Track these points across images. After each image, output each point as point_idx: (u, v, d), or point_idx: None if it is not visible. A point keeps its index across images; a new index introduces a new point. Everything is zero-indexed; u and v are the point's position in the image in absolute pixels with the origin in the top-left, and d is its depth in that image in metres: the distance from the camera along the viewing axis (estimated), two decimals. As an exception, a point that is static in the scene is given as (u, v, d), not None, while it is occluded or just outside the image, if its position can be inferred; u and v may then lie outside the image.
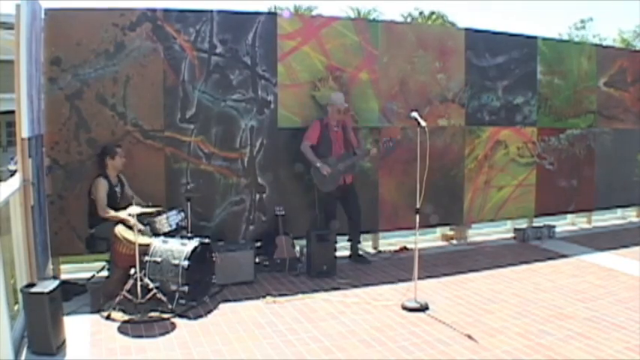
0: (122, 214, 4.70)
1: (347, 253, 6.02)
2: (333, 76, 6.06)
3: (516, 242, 6.98)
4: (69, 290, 4.64)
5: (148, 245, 4.55)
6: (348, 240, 5.99)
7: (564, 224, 7.92)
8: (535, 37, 7.20)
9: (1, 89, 9.42)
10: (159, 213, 4.90)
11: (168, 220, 5.01)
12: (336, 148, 5.78)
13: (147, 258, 4.49)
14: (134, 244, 4.28)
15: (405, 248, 6.38)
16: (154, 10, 5.38)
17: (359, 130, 6.18)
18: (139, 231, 4.48)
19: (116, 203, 4.93)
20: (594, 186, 7.77)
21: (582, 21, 32.36)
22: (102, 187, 4.85)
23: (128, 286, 4.27)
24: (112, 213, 4.78)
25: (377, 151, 6.01)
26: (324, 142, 5.72)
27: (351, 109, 6.12)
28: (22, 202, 4.01)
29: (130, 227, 4.46)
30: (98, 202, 4.83)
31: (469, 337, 3.95)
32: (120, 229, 4.52)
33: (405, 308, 4.50)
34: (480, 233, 7.30)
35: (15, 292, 4.00)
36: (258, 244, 5.70)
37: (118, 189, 5.01)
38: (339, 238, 5.74)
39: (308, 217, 5.98)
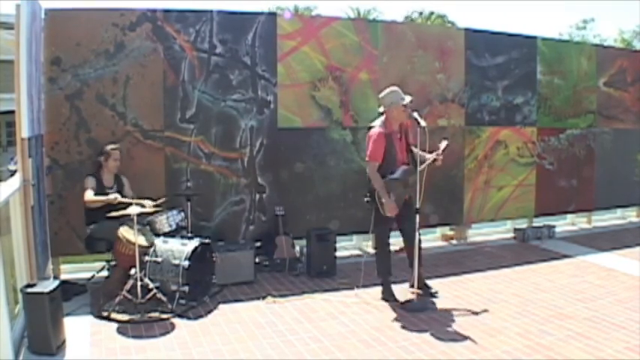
0: (107, 199, 4.73)
1: (346, 253, 6.01)
2: (332, 76, 6.07)
3: (516, 242, 6.98)
4: (69, 290, 4.65)
5: (149, 247, 4.55)
6: (410, 266, 4.76)
7: (564, 224, 7.93)
8: (535, 37, 7.20)
9: (1, 89, 9.42)
10: (159, 212, 4.90)
11: (168, 220, 5.01)
12: (401, 158, 4.71)
13: (147, 258, 4.49)
14: (135, 245, 4.28)
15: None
16: (154, 11, 5.38)
17: (359, 131, 6.19)
18: (139, 231, 4.48)
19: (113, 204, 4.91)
20: (594, 186, 7.77)
21: (585, 21, 32.36)
22: (87, 183, 4.85)
23: (128, 286, 4.27)
24: (92, 197, 4.76)
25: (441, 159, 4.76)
26: (388, 156, 4.64)
27: (350, 109, 6.12)
28: (22, 202, 4.01)
29: (131, 227, 4.46)
30: (85, 195, 4.81)
31: (469, 337, 3.95)
32: (122, 231, 4.53)
33: (405, 308, 4.50)
34: (480, 233, 7.31)
35: (15, 292, 3.99)
36: (258, 244, 5.70)
37: (112, 190, 4.95)
38: (339, 238, 5.74)
39: (308, 217, 5.98)
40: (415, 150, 4.77)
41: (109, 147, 5.01)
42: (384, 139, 4.62)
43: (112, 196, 4.74)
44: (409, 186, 4.59)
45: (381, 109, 4.76)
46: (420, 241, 4.66)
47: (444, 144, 4.73)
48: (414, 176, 4.53)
